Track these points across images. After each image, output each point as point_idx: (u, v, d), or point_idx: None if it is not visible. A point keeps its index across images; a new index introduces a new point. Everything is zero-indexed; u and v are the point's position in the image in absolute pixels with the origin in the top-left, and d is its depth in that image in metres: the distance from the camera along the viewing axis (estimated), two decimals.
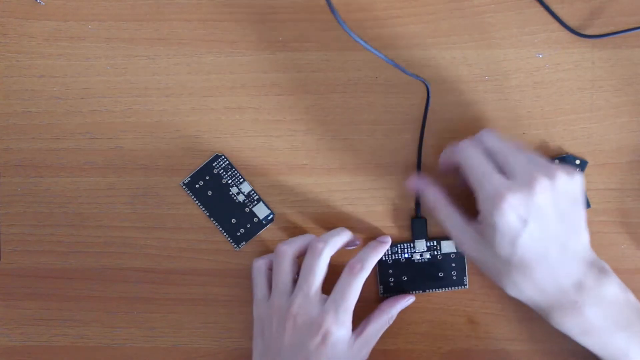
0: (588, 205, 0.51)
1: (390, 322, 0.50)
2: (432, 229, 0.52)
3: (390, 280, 0.52)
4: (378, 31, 0.52)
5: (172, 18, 0.53)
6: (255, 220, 0.52)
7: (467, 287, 0.51)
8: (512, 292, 0.46)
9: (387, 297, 0.52)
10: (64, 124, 0.53)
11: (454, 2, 0.52)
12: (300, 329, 0.46)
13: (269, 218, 0.52)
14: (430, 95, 0.51)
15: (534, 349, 0.51)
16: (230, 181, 0.52)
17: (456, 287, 0.51)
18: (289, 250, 0.48)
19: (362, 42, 0.45)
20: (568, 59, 0.52)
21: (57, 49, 0.53)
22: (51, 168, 0.53)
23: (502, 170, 0.45)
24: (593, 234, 0.51)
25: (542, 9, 0.52)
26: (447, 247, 0.51)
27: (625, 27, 0.52)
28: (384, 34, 0.52)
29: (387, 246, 0.51)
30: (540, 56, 0.52)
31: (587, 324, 0.45)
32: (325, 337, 0.46)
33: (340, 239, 0.49)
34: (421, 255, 0.52)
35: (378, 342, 0.51)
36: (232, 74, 0.53)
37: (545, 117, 0.52)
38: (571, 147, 0.52)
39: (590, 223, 0.51)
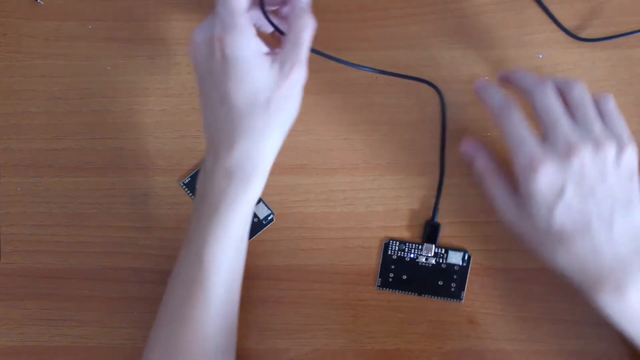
0: None
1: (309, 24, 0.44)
2: (442, 238, 0.52)
3: (390, 275, 0.52)
4: (378, 31, 0.52)
5: (172, 18, 0.53)
6: (255, 220, 0.52)
7: (462, 301, 0.51)
8: (552, 265, 0.43)
9: (383, 291, 0.52)
10: (64, 124, 0.53)
11: (454, 2, 0.52)
12: (202, 54, 0.43)
13: (269, 218, 0.52)
14: (444, 100, 0.52)
15: (534, 349, 0.51)
16: None
17: (452, 299, 0.51)
18: None
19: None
20: (568, 59, 0.52)
21: (57, 49, 0.53)
22: (51, 168, 0.53)
23: (545, 132, 0.43)
24: None
25: (542, 9, 0.52)
26: (453, 257, 0.51)
27: (625, 27, 0.52)
28: (384, 34, 0.52)
29: None
30: (540, 56, 0.52)
31: (630, 309, 0.41)
32: (223, 52, 0.42)
33: None
34: (426, 260, 0.52)
35: (378, 342, 0.51)
36: None
37: None
38: None
39: None
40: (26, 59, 0.53)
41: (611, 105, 0.44)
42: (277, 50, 0.45)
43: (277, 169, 0.52)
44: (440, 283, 0.51)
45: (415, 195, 0.52)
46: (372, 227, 0.52)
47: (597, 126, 0.42)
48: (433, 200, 0.52)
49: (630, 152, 0.42)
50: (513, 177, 0.44)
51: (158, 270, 0.52)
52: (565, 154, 0.41)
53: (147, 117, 0.53)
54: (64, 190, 0.53)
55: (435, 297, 0.51)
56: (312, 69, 0.53)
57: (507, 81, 0.47)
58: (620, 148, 0.42)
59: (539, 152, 0.41)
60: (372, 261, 0.52)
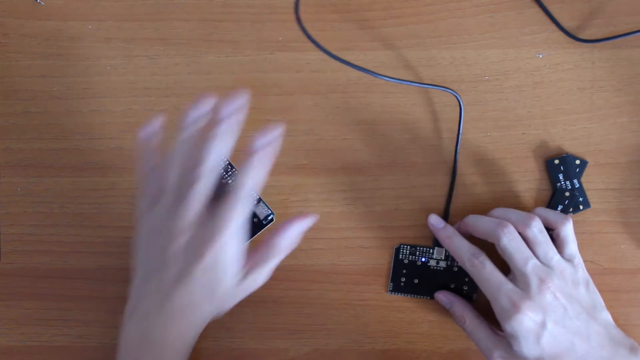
0: (588, 205, 0.51)
1: (282, 253, 0.44)
2: None
3: (402, 280, 0.51)
4: (378, 31, 0.52)
5: (172, 18, 0.53)
6: (255, 220, 0.52)
7: (474, 302, 0.51)
8: None
9: (393, 295, 0.52)
10: (64, 124, 0.53)
11: (454, 1, 0.52)
12: (186, 250, 0.41)
13: (269, 218, 0.52)
14: (462, 106, 0.52)
15: None
16: (230, 181, 0.52)
17: None
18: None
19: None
20: (568, 59, 0.52)
21: (57, 49, 0.53)
22: (51, 168, 0.53)
23: (515, 271, 0.47)
24: (593, 234, 0.51)
25: (541, 9, 0.52)
26: None
27: (625, 27, 0.52)
28: (384, 34, 0.52)
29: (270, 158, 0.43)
30: (540, 56, 0.52)
31: None
32: (214, 261, 0.41)
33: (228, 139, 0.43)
34: (437, 263, 0.52)
35: (378, 342, 0.51)
36: (232, 74, 0.53)
37: (545, 117, 0.52)
38: (571, 147, 0.52)
39: (590, 223, 0.52)
40: (26, 59, 0.53)
41: (567, 231, 0.48)
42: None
43: (277, 169, 0.52)
44: (452, 286, 0.51)
45: (415, 195, 0.52)
46: (372, 227, 0.52)
47: (556, 258, 0.47)
48: (433, 200, 0.52)
49: (582, 267, 0.48)
50: (490, 319, 0.49)
51: None
52: (538, 289, 0.45)
53: (147, 117, 0.53)
54: (64, 190, 0.53)
55: None
56: (312, 68, 0.53)
57: (465, 230, 0.50)
58: (575, 269, 0.47)
59: (517, 293, 0.45)
60: (372, 261, 0.52)
